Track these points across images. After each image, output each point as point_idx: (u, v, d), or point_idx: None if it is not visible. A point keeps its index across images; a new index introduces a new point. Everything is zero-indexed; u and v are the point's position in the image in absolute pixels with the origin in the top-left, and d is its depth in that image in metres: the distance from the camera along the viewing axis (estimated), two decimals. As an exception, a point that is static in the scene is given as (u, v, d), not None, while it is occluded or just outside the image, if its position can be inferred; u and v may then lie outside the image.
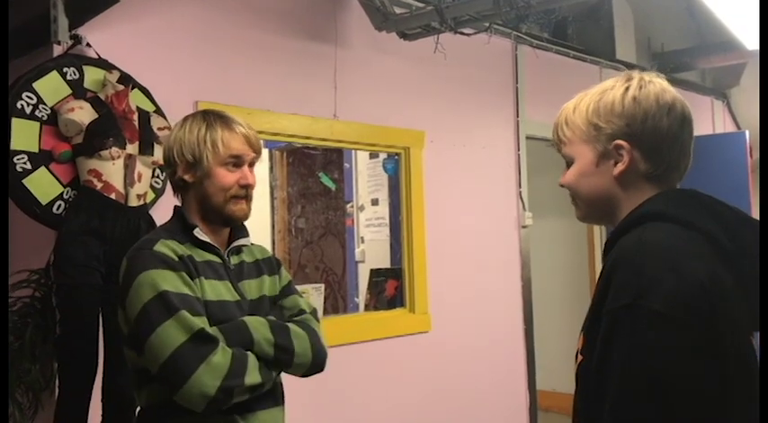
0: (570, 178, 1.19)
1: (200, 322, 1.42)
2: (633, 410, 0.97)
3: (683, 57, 5.28)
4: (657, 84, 1.13)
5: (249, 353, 1.46)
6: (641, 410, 0.96)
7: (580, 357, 1.10)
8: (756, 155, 4.98)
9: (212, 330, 1.43)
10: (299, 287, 3.69)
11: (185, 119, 1.60)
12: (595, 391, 1.03)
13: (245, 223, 1.65)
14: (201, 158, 1.54)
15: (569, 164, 1.19)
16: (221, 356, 1.40)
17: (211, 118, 1.57)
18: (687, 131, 1.13)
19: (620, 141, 1.11)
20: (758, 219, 1.13)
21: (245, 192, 1.58)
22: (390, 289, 3.86)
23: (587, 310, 1.12)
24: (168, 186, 2.48)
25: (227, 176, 1.55)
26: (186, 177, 1.56)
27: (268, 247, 4.48)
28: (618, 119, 1.11)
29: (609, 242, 1.13)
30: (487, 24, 3.26)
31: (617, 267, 1.03)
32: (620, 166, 1.12)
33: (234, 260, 1.61)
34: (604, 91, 1.14)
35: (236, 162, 1.56)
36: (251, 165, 1.60)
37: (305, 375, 1.59)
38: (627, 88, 1.12)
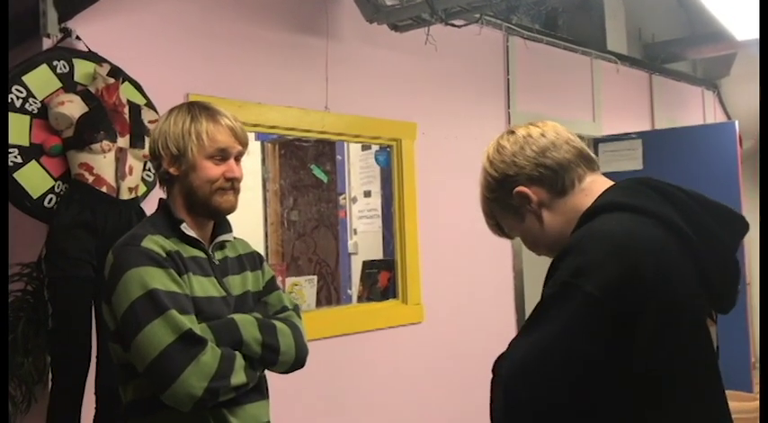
0: (529, 245, 1.27)
1: (189, 321, 1.41)
2: (529, 382, 1.00)
3: (674, 47, 5.30)
4: (502, 136, 1.26)
5: (237, 353, 1.46)
6: (535, 385, 0.99)
7: None
8: (747, 144, 5.00)
9: (201, 329, 1.43)
10: (291, 279, 3.72)
11: (171, 111, 1.59)
12: (508, 347, 1.07)
13: (229, 218, 1.65)
14: (186, 151, 1.52)
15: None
16: (209, 357, 1.40)
17: (196, 110, 1.56)
18: (546, 139, 1.21)
19: (516, 191, 1.21)
20: (719, 202, 1.14)
21: (232, 184, 1.56)
22: (383, 280, 3.86)
23: None
24: (160, 179, 2.49)
25: (212, 169, 1.53)
26: (171, 170, 1.55)
27: (261, 239, 4.52)
28: (500, 182, 1.23)
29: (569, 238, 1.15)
30: (478, 16, 3.26)
31: (567, 252, 1.06)
32: (534, 205, 1.21)
33: (218, 255, 1.60)
34: (482, 172, 1.27)
35: (222, 155, 1.54)
36: (237, 158, 1.58)
37: (285, 372, 1.59)
38: (487, 157, 1.26)
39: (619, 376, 0.99)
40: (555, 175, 1.19)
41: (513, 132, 1.25)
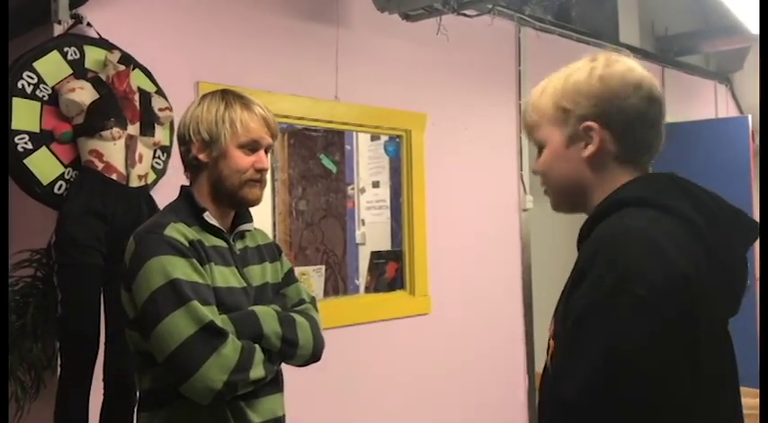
0: (542, 163, 1.15)
1: (210, 313, 1.40)
2: (604, 392, 0.95)
3: (687, 40, 5.25)
4: (623, 62, 1.11)
5: (257, 346, 1.45)
6: (613, 393, 0.94)
7: (552, 344, 1.07)
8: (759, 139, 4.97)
9: (222, 321, 1.42)
10: (299, 269, 3.72)
11: (204, 97, 1.57)
12: (562, 371, 1.00)
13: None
14: (218, 137, 1.50)
15: (540, 150, 1.16)
16: (230, 350, 1.38)
17: (231, 97, 1.54)
18: (656, 110, 1.10)
19: (589, 123, 1.08)
20: (739, 206, 1.10)
21: (260, 176, 1.55)
22: (391, 271, 3.87)
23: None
24: (169, 167, 2.49)
25: (242, 159, 1.52)
26: (201, 157, 1.53)
27: (269, 228, 4.53)
28: (585, 99, 1.08)
29: (584, 228, 1.10)
30: (490, 6, 3.24)
31: (599, 252, 1.00)
32: (591, 148, 1.09)
33: (238, 245, 1.59)
34: (570, 72, 1.12)
35: (254, 146, 1.53)
36: (267, 150, 1.57)
37: (302, 366, 1.59)
38: (592, 68, 1.10)
39: (669, 374, 0.97)
40: (630, 143, 1.08)
41: (632, 69, 1.09)
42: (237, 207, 1.59)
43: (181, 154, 1.59)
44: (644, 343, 0.94)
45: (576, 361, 0.97)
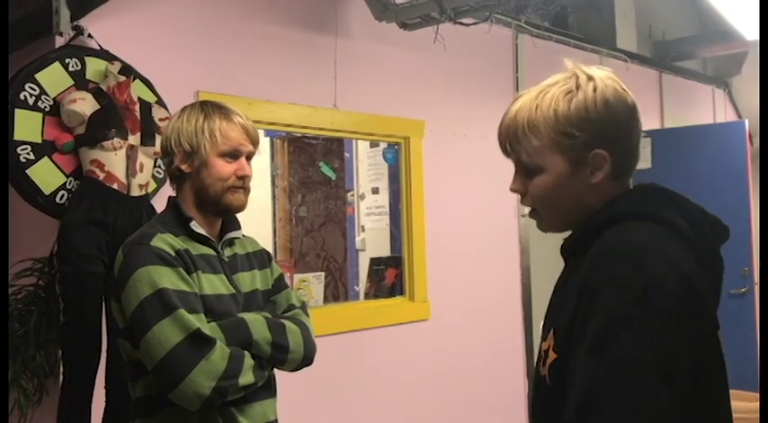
0: (541, 189, 1.12)
1: (197, 321, 1.43)
2: (646, 401, 0.92)
3: (685, 45, 5.28)
4: (612, 78, 1.11)
5: (246, 353, 1.47)
6: (656, 398, 0.92)
7: (553, 355, 1.04)
8: (757, 143, 4.99)
9: (210, 329, 1.44)
10: (300, 276, 3.73)
11: (184, 109, 1.61)
12: (570, 388, 0.97)
13: (238, 215, 1.66)
14: (198, 148, 1.54)
15: (530, 171, 1.12)
16: (218, 357, 1.41)
17: (209, 108, 1.58)
18: (640, 126, 1.14)
19: (600, 151, 1.07)
20: (713, 213, 1.13)
21: (243, 183, 1.58)
22: (390, 277, 3.89)
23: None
24: (169, 176, 2.52)
25: (224, 167, 1.55)
26: (183, 167, 1.57)
27: (269, 235, 4.55)
28: (592, 126, 1.07)
29: (578, 241, 1.12)
30: (487, 14, 3.27)
31: (609, 264, 1.00)
32: (600, 175, 1.08)
33: (227, 252, 1.62)
34: (569, 90, 1.08)
35: (234, 154, 1.56)
36: (249, 157, 1.60)
37: (294, 370, 1.61)
38: (595, 89, 1.07)
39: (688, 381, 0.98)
40: (628, 163, 1.11)
41: (623, 89, 1.10)
42: (223, 214, 1.61)
43: (165, 165, 1.63)
44: (675, 352, 0.94)
45: (599, 378, 0.94)
